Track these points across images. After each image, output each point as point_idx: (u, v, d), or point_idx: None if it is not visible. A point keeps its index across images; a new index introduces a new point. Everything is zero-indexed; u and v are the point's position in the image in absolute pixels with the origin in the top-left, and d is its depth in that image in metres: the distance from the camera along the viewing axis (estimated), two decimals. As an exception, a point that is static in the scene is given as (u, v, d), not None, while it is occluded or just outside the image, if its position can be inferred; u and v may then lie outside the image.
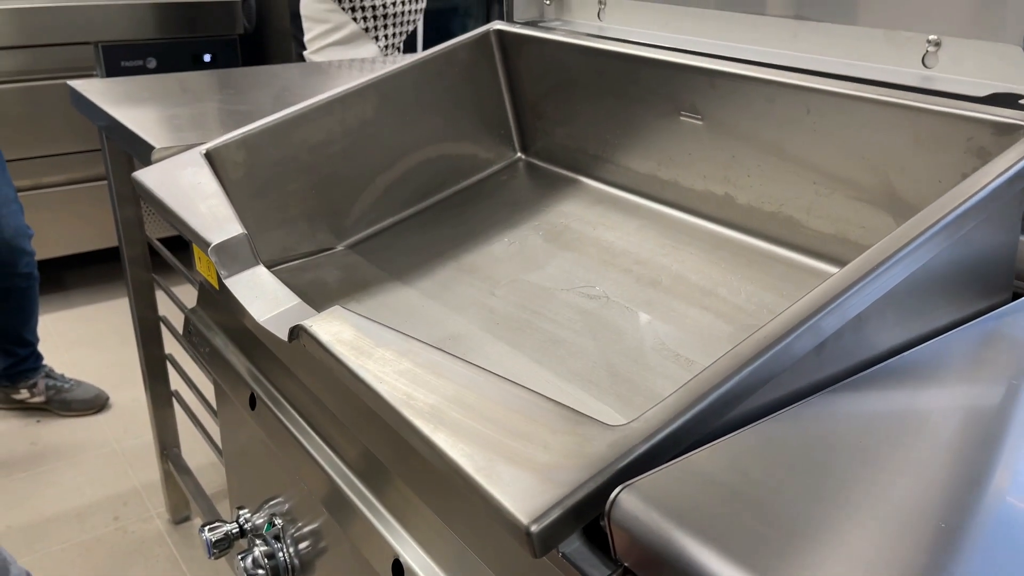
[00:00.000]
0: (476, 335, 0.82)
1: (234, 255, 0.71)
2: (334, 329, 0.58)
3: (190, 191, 0.82)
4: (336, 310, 0.60)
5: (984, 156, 0.64)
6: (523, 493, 0.42)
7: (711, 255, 0.86)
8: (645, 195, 0.97)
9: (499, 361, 0.78)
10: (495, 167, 1.12)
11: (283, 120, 0.95)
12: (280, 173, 0.95)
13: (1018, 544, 0.40)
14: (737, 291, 0.81)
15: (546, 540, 0.41)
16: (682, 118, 0.88)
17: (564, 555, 0.44)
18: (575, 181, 1.05)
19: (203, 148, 0.90)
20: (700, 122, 0.86)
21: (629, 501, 0.41)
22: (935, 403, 0.51)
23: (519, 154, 1.13)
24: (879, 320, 0.55)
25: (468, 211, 1.04)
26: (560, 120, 1.05)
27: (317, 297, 0.89)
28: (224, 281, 0.69)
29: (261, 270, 0.70)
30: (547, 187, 1.06)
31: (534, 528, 0.41)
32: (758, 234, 0.86)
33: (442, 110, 1.06)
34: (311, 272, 0.95)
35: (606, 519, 0.42)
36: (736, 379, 0.47)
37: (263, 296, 0.67)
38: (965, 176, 0.64)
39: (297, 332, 0.59)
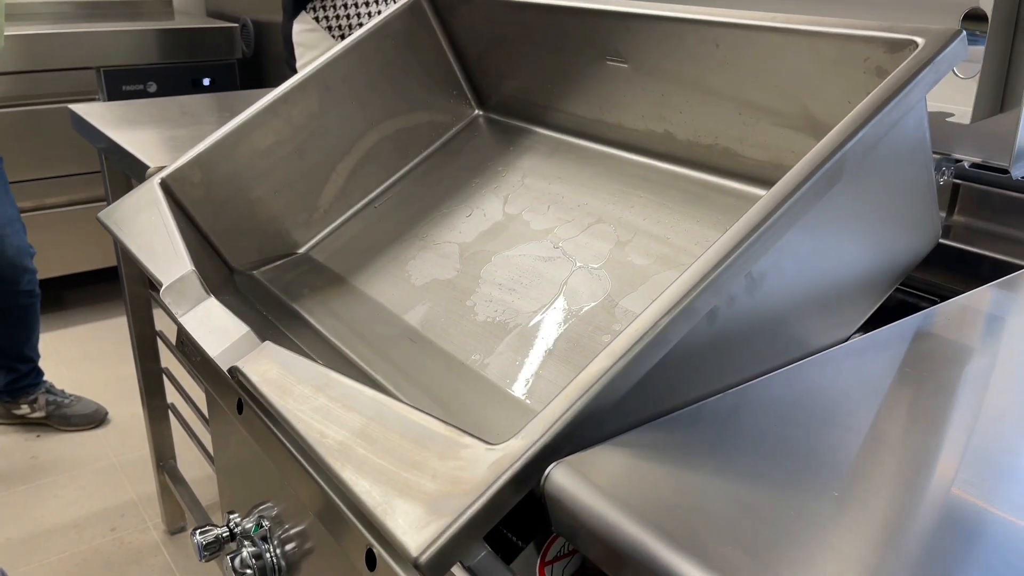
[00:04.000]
0: (440, 318, 0.84)
1: (184, 293, 0.75)
2: (261, 368, 0.61)
3: (147, 229, 0.86)
4: (266, 347, 0.63)
5: (883, 74, 0.62)
6: (412, 525, 0.45)
7: (661, 196, 0.86)
8: (595, 139, 0.97)
9: (462, 343, 0.81)
10: (455, 128, 1.12)
11: (230, 132, 0.97)
12: (238, 184, 0.98)
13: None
14: (687, 234, 0.81)
15: (435, 568, 0.44)
16: (608, 63, 0.86)
17: (468, 568, 0.48)
18: (531, 132, 1.05)
19: (158, 177, 0.93)
20: (625, 65, 0.85)
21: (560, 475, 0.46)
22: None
23: (477, 110, 1.12)
24: (785, 270, 0.55)
25: (432, 182, 1.05)
26: (505, 74, 1.04)
27: (291, 301, 0.93)
28: (179, 320, 0.73)
29: (212, 303, 0.74)
30: (505, 143, 1.06)
31: (422, 559, 0.44)
32: (701, 167, 0.85)
33: (389, 84, 1.06)
34: (286, 274, 0.98)
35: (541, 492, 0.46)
36: (614, 377, 0.48)
37: (215, 330, 0.71)
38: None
39: (233, 372, 0.63)
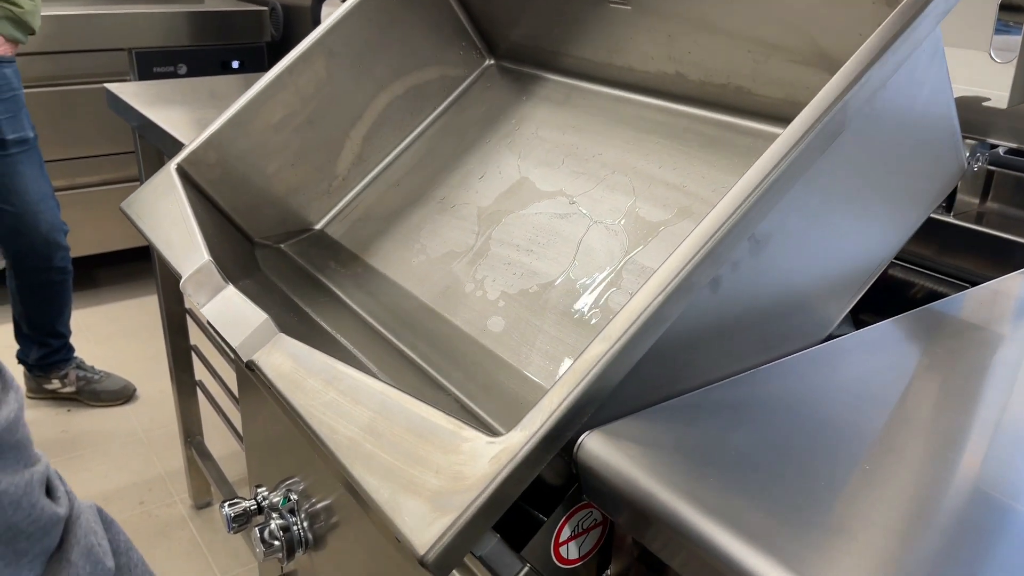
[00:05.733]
0: (461, 286, 0.84)
1: (203, 283, 0.76)
2: (275, 362, 0.62)
3: (166, 218, 0.87)
4: (279, 339, 0.64)
5: (892, 4, 0.58)
6: (418, 524, 0.46)
7: (676, 141, 0.83)
8: (608, 83, 0.93)
9: (483, 313, 0.80)
10: (468, 80, 1.09)
11: (240, 110, 0.96)
12: (254, 161, 0.98)
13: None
14: (704, 181, 0.79)
15: (442, 566, 0.45)
16: (611, 5, 0.83)
17: (479, 557, 0.48)
18: (543, 79, 1.02)
19: (174, 162, 0.94)
20: (628, 7, 0.81)
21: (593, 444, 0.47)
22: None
23: (489, 59, 1.09)
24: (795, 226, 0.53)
25: (447, 140, 1.04)
26: (512, 20, 1.01)
27: (317, 273, 0.93)
28: (202, 311, 0.74)
29: (231, 291, 0.74)
30: (518, 92, 1.03)
31: (428, 558, 0.45)
32: (716, 107, 0.81)
33: (395, 43, 1.04)
34: (309, 246, 0.99)
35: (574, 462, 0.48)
36: (610, 362, 0.47)
37: (235, 319, 0.72)
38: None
39: (250, 365, 0.64)
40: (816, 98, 0.51)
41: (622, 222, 0.79)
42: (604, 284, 0.76)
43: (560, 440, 0.47)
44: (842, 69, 0.52)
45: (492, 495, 0.45)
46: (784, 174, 0.50)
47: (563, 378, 0.48)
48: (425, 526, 0.46)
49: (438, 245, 0.90)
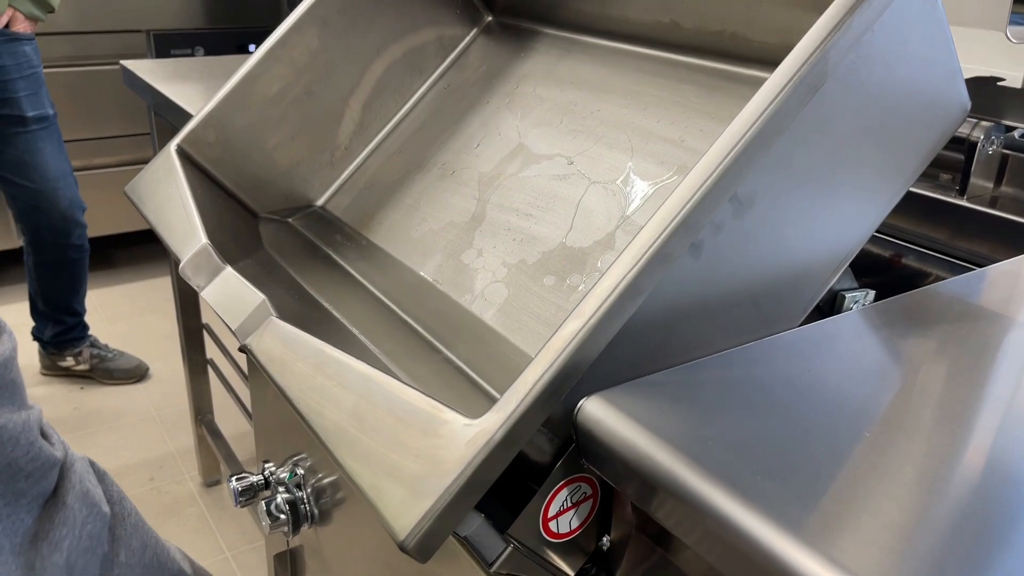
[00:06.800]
0: (462, 255, 0.83)
1: (201, 267, 0.76)
2: (267, 346, 0.62)
3: (166, 202, 0.87)
4: (271, 323, 0.64)
5: (881, -59, 0.54)
6: (398, 509, 0.46)
7: (674, 93, 0.80)
8: (605, 34, 0.90)
9: (483, 282, 0.80)
10: (466, 39, 1.07)
11: (235, 86, 0.95)
12: (254, 136, 0.97)
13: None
14: (703, 134, 0.76)
15: (422, 549, 0.45)
16: (599, -45, 0.80)
17: (464, 538, 0.48)
18: (541, 34, 0.99)
19: (174, 143, 0.94)
20: (616, -44, 0.78)
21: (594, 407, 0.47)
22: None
23: (487, 16, 1.07)
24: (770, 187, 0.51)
25: (447, 103, 1.02)
26: (505, -25, 0.98)
27: (324, 247, 0.93)
28: (202, 295, 0.75)
29: (228, 273, 0.74)
30: (516, 48, 1.00)
31: (409, 543, 0.45)
32: (713, 54, 0.78)
33: (390, 6, 1.01)
34: (313, 219, 0.98)
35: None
36: (584, 340, 0.46)
37: (233, 302, 0.72)
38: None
39: (244, 350, 0.64)
40: (795, 48, 0.49)
41: (620, 182, 0.78)
42: (601, 247, 0.74)
43: (538, 419, 0.46)
44: (822, 17, 0.49)
45: (470, 478, 0.45)
46: (764, 130, 0.48)
47: (537, 357, 0.47)
48: (405, 511, 0.46)
49: (439, 214, 0.89)
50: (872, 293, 0.65)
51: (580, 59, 0.92)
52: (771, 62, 0.73)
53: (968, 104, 0.60)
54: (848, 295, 0.64)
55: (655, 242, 0.47)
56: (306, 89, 0.99)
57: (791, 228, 0.54)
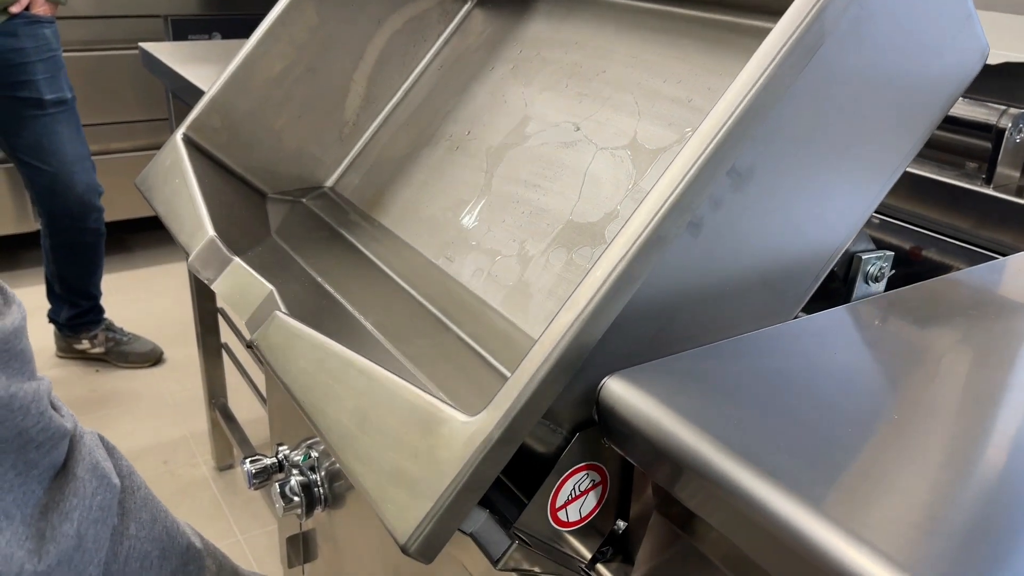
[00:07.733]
0: (472, 232, 0.82)
1: (210, 260, 0.76)
2: (272, 343, 0.62)
3: (174, 194, 0.87)
4: (275, 319, 0.64)
5: None
6: (400, 511, 0.46)
7: (678, 49, 0.77)
8: (608, -9, 0.87)
9: (493, 259, 0.78)
10: (468, 4, 1.04)
11: (237, 70, 0.94)
12: (260, 118, 0.96)
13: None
14: (709, 92, 0.73)
15: (425, 552, 0.45)
16: (594, -91, 0.76)
17: (470, 534, 0.48)
18: (544, -7, 0.96)
19: (180, 132, 0.93)
20: (610, -90, 0.74)
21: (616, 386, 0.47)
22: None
23: (489, -23, 1.03)
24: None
25: (452, 72, 0.99)
26: (503, -66, 0.95)
27: (337, 226, 0.92)
28: (212, 288, 0.75)
29: (237, 265, 0.74)
30: (520, 9, 0.97)
31: (411, 547, 0.44)
32: (715, 5, 0.75)
33: (387, -26, 0.99)
34: (325, 201, 0.98)
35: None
36: (579, 331, 0.45)
37: (242, 295, 0.72)
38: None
39: (251, 345, 0.64)
40: (789, 10, 0.46)
41: (627, 147, 0.75)
42: (609, 217, 0.72)
43: (536, 414, 0.45)
44: (818, -29, 0.46)
45: (469, 478, 0.44)
46: (759, 98, 0.46)
47: (532, 352, 0.45)
48: (406, 514, 0.45)
49: (449, 189, 0.88)
50: (891, 255, 0.62)
51: (583, 17, 0.89)
52: (775, 11, 0.70)
53: (987, 48, 0.56)
54: (864, 256, 0.61)
55: (650, 223, 0.45)
56: (308, 66, 0.97)
57: (797, 198, 0.51)
